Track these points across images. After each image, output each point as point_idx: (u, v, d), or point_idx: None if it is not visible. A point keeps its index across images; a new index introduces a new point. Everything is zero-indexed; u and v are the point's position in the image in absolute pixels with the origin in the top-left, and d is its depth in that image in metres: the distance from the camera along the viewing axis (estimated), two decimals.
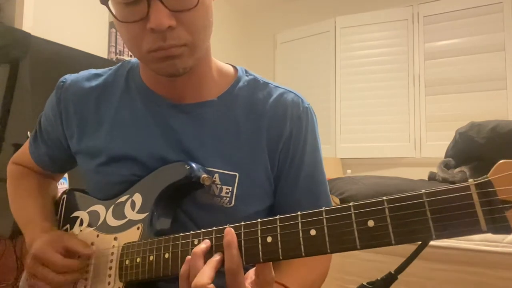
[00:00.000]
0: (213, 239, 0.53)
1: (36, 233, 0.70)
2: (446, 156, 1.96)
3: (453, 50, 2.98)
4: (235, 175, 0.66)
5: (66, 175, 1.46)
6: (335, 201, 1.65)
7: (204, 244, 0.51)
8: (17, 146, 0.88)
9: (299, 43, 3.67)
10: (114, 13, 0.57)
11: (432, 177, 1.95)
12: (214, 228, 0.53)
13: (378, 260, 1.44)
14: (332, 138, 3.33)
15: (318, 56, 3.51)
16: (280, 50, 3.82)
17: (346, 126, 3.32)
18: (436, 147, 2.79)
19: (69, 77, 0.75)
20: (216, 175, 0.65)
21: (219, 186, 0.65)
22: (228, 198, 0.65)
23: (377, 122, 3.18)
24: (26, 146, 0.84)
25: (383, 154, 3.16)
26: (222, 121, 0.68)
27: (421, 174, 2.14)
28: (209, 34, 0.62)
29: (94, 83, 0.73)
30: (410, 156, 3.07)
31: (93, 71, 0.76)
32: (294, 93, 0.73)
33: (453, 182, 1.74)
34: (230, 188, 0.65)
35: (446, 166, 1.87)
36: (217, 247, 0.52)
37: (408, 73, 3.13)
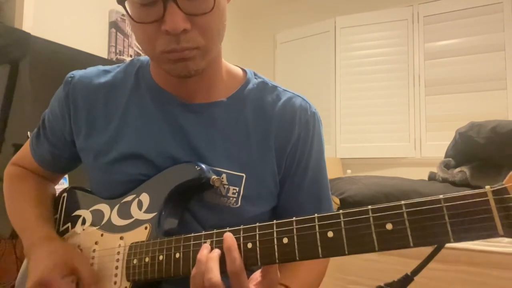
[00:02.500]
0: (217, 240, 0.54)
1: (34, 239, 0.68)
2: (446, 156, 1.96)
3: (453, 50, 2.97)
4: (242, 176, 0.66)
5: (65, 175, 1.46)
6: (335, 201, 1.65)
7: (206, 249, 0.53)
8: (17, 146, 0.87)
9: (299, 43, 3.66)
10: (130, 13, 0.57)
11: (432, 177, 1.94)
12: (228, 229, 0.54)
13: (378, 260, 1.43)
14: (332, 138, 3.33)
15: (318, 56, 3.51)
16: (280, 50, 3.82)
17: (346, 126, 3.32)
18: (436, 147, 2.79)
19: (77, 73, 0.74)
20: (224, 175, 0.65)
21: (226, 186, 0.65)
22: (234, 199, 0.66)
23: (377, 122, 3.18)
24: (26, 147, 0.83)
25: (383, 154, 3.15)
26: (231, 121, 0.68)
27: (421, 174, 2.14)
28: (222, 37, 0.62)
29: (103, 79, 0.73)
30: (410, 156, 3.07)
31: (101, 67, 0.76)
32: (302, 98, 0.74)
33: (453, 182, 1.74)
34: (237, 188, 0.66)
35: (446, 166, 1.86)
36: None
37: (408, 73, 3.13)
